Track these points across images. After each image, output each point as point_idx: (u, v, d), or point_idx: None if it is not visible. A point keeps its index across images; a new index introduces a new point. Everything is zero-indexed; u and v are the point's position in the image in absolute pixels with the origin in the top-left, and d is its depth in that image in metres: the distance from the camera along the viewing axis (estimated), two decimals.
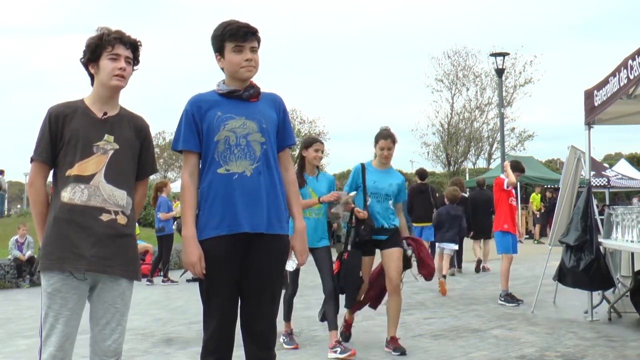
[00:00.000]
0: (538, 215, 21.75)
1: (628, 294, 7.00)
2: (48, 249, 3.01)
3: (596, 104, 6.83)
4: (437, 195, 12.84)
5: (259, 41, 3.22)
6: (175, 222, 12.46)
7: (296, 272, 5.82)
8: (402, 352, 5.46)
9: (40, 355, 2.99)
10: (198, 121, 3.15)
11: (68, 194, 3.01)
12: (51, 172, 3.15)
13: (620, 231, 6.61)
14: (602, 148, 62.29)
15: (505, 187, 8.46)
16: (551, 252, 8.03)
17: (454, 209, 10.61)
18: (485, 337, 6.16)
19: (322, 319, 5.89)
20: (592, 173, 15.14)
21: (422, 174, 12.46)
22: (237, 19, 3.23)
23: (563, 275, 7.00)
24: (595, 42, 74.99)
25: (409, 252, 5.77)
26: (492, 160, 34.57)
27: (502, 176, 8.67)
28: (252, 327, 3.16)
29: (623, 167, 25.20)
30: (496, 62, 21.88)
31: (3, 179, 22.25)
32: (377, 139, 5.76)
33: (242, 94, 3.19)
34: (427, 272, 5.93)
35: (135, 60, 3.21)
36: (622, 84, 5.93)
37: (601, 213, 9.90)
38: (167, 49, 71.02)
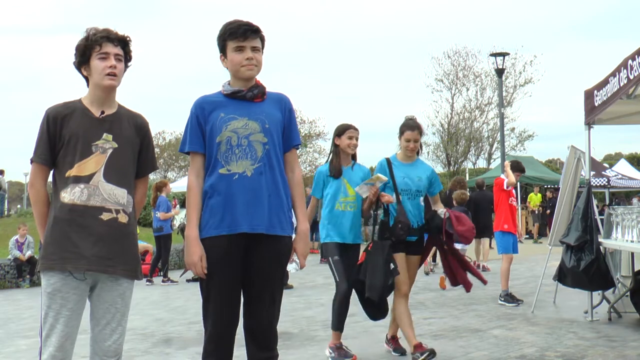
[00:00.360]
0: (536, 212, 21.76)
1: (628, 294, 7.00)
2: (49, 249, 3.01)
3: (596, 104, 6.83)
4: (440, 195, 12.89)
5: (262, 40, 3.22)
6: (179, 223, 12.49)
7: (343, 268, 5.17)
8: (402, 353, 5.43)
9: (40, 356, 2.99)
10: (202, 122, 3.17)
11: (68, 195, 3.01)
12: (51, 173, 3.15)
13: (620, 231, 6.61)
14: (602, 148, 62.42)
15: (505, 187, 8.47)
16: (551, 252, 8.03)
17: (461, 211, 10.66)
18: (485, 337, 6.16)
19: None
20: (592, 173, 15.14)
21: None
22: (238, 18, 3.23)
23: (563, 276, 6.99)
24: (595, 42, 75.04)
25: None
26: (492, 161, 34.58)
27: (502, 176, 8.67)
28: (252, 327, 3.17)
29: (623, 167, 25.21)
30: (496, 62, 21.89)
31: (3, 179, 22.25)
32: (403, 129, 5.32)
33: (245, 95, 3.19)
34: (461, 282, 5.43)
35: (127, 56, 3.19)
36: (622, 84, 5.93)
37: (601, 213, 9.90)
38: (167, 49, 71.07)
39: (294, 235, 3.29)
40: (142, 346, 6.23)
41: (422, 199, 5.35)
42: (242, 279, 3.16)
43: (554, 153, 62.02)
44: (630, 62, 5.69)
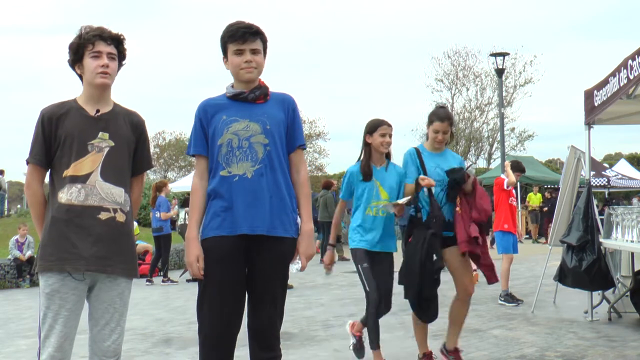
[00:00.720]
0: (537, 209, 21.76)
1: (628, 294, 7.00)
2: (47, 250, 3.01)
3: (596, 104, 6.83)
4: None
5: (264, 41, 3.22)
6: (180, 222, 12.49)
7: (373, 276, 4.74)
8: None
9: (39, 356, 2.99)
10: (205, 125, 3.19)
11: (65, 195, 3.00)
12: (48, 174, 3.14)
13: (620, 231, 6.61)
14: (602, 148, 62.39)
15: (505, 187, 8.47)
16: (551, 252, 8.03)
17: None
18: (485, 337, 6.16)
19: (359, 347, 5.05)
20: (592, 173, 15.14)
21: None
22: (241, 19, 3.22)
23: (564, 275, 6.99)
24: (595, 42, 74.97)
25: None
26: (492, 160, 34.59)
27: (502, 176, 8.67)
28: (254, 328, 3.17)
29: (623, 167, 25.24)
30: (496, 62, 21.89)
31: (3, 179, 22.24)
32: (431, 119, 4.85)
33: (247, 96, 3.19)
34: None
35: (120, 54, 3.18)
36: (622, 84, 5.93)
37: (600, 213, 9.90)
38: (167, 49, 71.01)
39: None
40: (142, 346, 6.23)
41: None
42: (247, 280, 3.16)
43: (554, 153, 61.98)
44: (630, 62, 5.69)
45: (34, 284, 12.62)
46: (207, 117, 3.19)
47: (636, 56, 5.56)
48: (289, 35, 65.59)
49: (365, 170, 4.83)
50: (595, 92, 6.86)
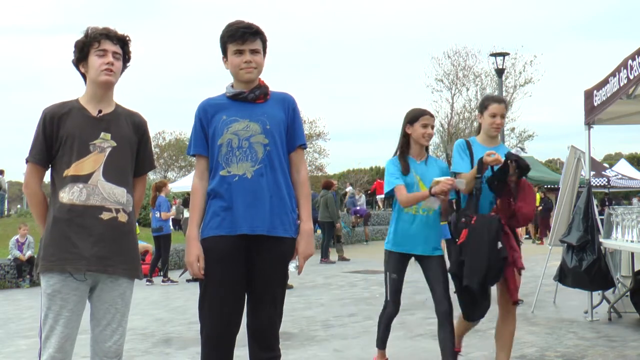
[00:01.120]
0: (536, 209, 21.77)
1: (628, 294, 7.00)
2: (49, 250, 3.00)
3: (596, 104, 6.83)
4: None
5: (263, 41, 3.21)
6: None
7: (397, 288, 4.57)
8: None
9: (40, 357, 2.99)
10: (205, 125, 3.19)
11: (67, 194, 3.00)
12: (48, 173, 3.14)
13: (620, 231, 6.61)
14: (602, 148, 62.45)
15: None
16: (551, 252, 8.03)
17: None
18: (485, 337, 6.16)
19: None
20: (592, 173, 15.13)
21: None
22: (241, 19, 3.22)
23: (564, 275, 7.00)
24: (595, 42, 75.06)
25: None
26: None
27: None
28: (253, 328, 3.18)
29: (623, 167, 25.24)
30: (496, 62, 21.87)
31: (3, 179, 22.24)
32: (486, 103, 4.48)
33: (247, 96, 3.19)
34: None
35: (125, 55, 3.19)
36: (622, 84, 5.94)
37: (600, 213, 9.90)
38: (167, 49, 71.02)
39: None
40: (142, 346, 6.23)
41: None
42: (247, 280, 3.16)
43: (554, 153, 62.07)
44: (630, 62, 5.69)
45: (34, 284, 12.61)
46: (207, 117, 3.19)
47: (636, 56, 5.56)
48: (289, 35, 65.68)
49: (403, 163, 4.43)
50: (595, 92, 6.86)
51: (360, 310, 7.90)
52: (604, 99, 6.53)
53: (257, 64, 3.18)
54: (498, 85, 22.90)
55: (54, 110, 3.09)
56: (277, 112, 3.22)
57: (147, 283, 11.93)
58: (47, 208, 3.11)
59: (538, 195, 22.50)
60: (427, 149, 4.57)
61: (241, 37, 3.13)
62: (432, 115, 4.51)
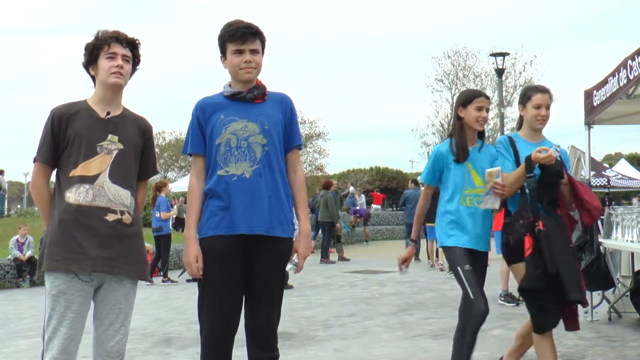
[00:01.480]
0: None
1: (628, 294, 7.00)
2: (53, 249, 3.00)
3: (596, 104, 6.84)
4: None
5: (262, 41, 3.22)
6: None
7: (476, 280, 3.95)
8: None
9: (42, 358, 2.99)
10: (203, 124, 3.19)
11: (73, 195, 3.01)
12: (55, 173, 3.15)
13: (620, 231, 6.61)
14: (602, 148, 62.39)
15: None
16: None
17: None
18: (485, 337, 6.15)
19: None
20: (592, 173, 15.14)
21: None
22: (240, 19, 3.22)
23: None
24: (595, 42, 75.12)
25: None
26: None
27: None
28: (252, 328, 3.17)
29: (623, 167, 25.24)
30: (496, 62, 21.88)
31: (3, 179, 22.26)
32: (529, 94, 4.04)
33: (245, 96, 3.19)
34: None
35: (135, 59, 3.21)
36: (621, 84, 5.94)
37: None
38: (167, 49, 71.07)
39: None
40: (142, 346, 6.23)
41: None
42: (245, 280, 3.16)
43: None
44: (630, 62, 5.70)
45: (34, 284, 12.62)
46: (205, 115, 3.19)
47: (636, 56, 5.57)
48: (289, 35, 65.70)
49: (460, 149, 3.97)
50: (595, 92, 6.87)
51: (360, 310, 7.90)
52: (604, 99, 6.54)
53: (257, 64, 3.18)
54: (498, 85, 22.92)
55: (62, 110, 3.10)
56: (275, 113, 3.22)
57: (147, 283, 11.92)
58: (53, 208, 3.11)
59: None
60: (482, 134, 4.11)
61: (241, 37, 3.13)
62: (487, 97, 4.08)
